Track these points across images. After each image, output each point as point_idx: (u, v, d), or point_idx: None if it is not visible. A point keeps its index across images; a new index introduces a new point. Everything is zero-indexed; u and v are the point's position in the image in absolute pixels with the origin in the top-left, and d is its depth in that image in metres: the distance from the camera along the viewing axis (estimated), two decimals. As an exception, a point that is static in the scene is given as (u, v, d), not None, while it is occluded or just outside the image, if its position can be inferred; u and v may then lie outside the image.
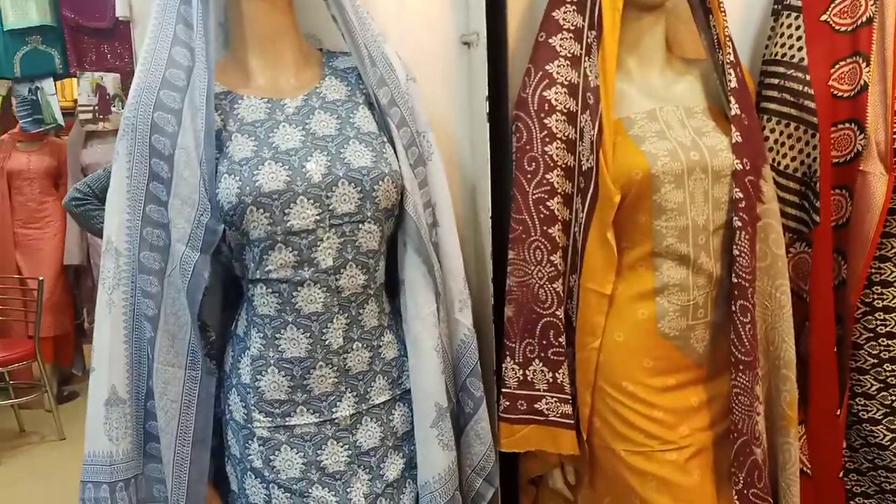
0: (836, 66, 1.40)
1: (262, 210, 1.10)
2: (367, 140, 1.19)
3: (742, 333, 1.30)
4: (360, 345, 1.21)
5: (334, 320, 1.17)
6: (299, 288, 1.14)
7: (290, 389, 1.17)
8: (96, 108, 4.12)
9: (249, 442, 1.18)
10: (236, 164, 1.11)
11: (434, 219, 1.30)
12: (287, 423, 1.17)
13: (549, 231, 1.36)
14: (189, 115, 1.11)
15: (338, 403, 1.20)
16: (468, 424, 1.33)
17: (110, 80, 4.11)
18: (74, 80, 4.16)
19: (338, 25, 1.24)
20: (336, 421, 1.20)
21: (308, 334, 1.16)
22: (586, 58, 1.33)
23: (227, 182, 1.10)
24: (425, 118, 1.30)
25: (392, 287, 1.29)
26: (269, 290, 1.15)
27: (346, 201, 1.14)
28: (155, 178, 1.13)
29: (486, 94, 1.39)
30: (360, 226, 1.16)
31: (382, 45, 1.26)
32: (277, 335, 1.16)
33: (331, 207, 1.13)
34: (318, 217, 1.12)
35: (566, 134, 1.35)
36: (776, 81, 1.45)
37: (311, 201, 1.12)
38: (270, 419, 1.17)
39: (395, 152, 1.21)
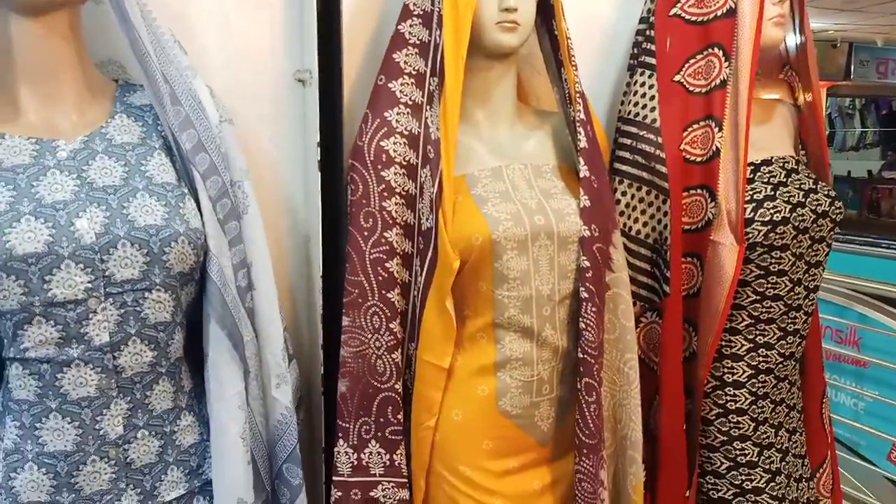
0: (689, 130, 1.35)
1: (13, 277, 0.90)
2: (161, 192, 1.01)
3: (587, 414, 1.20)
4: (146, 433, 1.02)
5: (112, 406, 0.98)
6: (65, 369, 0.95)
7: (54, 489, 0.97)
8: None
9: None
10: (-17, 219, 0.91)
11: (249, 281, 1.13)
12: (49, 531, 0.97)
13: (388, 295, 1.22)
14: (-70, 156, 0.91)
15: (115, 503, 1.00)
16: (284, 517, 1.17)
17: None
18: None
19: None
20: (113, 525, 1.00)
21: (77, 423, 0.96)
22: (428, 107, 1.21)
23: (-31, 242, 0.89)
24: (242, 165, 1.14)
25: (200, 359, 1.11)
26: (27, 370, 0.95)
27: (128, 266, 0.96)
28: None
29: (318, 139, 1.24)
30: (147, 294, 0.98)
31: (190, 80, 1.09)
32: (38, 424, 0.96)
33: (107, 273, 0.94)
34: (89, 285, 0.93)
35: (406, 188, 1.22)
36: (629, 142, 1.38)
37: (81, 266, 0.93)
38: (28, 526, 0.96)
39: (199, 206, 1.04)
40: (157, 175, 1.02)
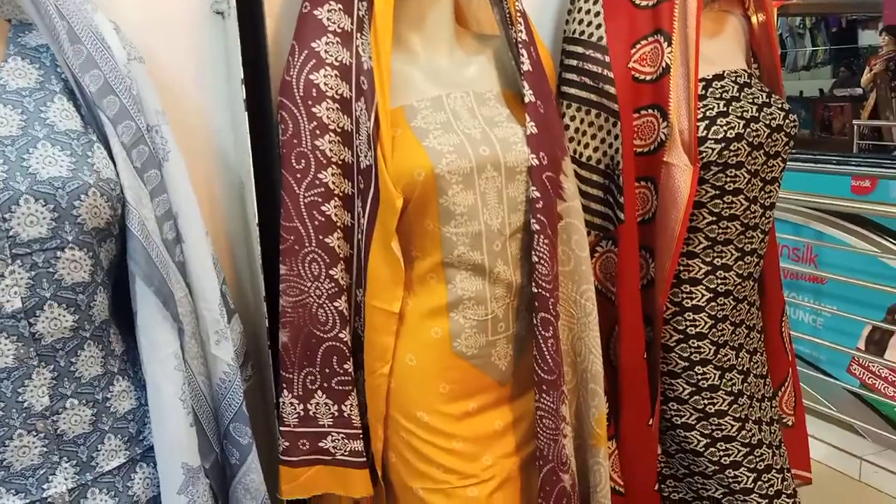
0: (637, 46, 1.28)
1: None
2: (65, 141, 0.92)
3: (544, 349, 1.16)
4: (76, 402, 0.95)
5: (34, 376, 0.91)
6: (-24, 340, 0.87)
7: (-21, 468, 0.90)
8: None
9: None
10: None
11: (177, 233, 1.06)
12: (-22, 512, 0.91)
13: (326, 240, 1.15)
14: None
15: (50, 478, 0.94)
16: (235, 478, 1.11)
17: None
18: None
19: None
20: (49, 500, 0.94)
21: (-4, 397, 0.89)
22: (358, 34, 1.13)
23: None
24: (158, 107, 1.05)
25: (131, 320, 1.04)
26: (-67, 344, 0.87)
27: (34, 223, 0.87)
28: None
29: (242, 75, 1.15)
30: (59, 253, 0.90)
31: (90, 15, 0.99)
32: (-47, 401, 0.88)
33: (11, 233, 0.86)
34: (-9, 247, 0.85)
35: (340, 125, 1.14)
36: (575, 63, 1.30)
37: (-20, 227, 0.84)
38: (-47, 509, 0.90)
39: (111, 155, 0.95)
40: (59, 122, 0.93)
